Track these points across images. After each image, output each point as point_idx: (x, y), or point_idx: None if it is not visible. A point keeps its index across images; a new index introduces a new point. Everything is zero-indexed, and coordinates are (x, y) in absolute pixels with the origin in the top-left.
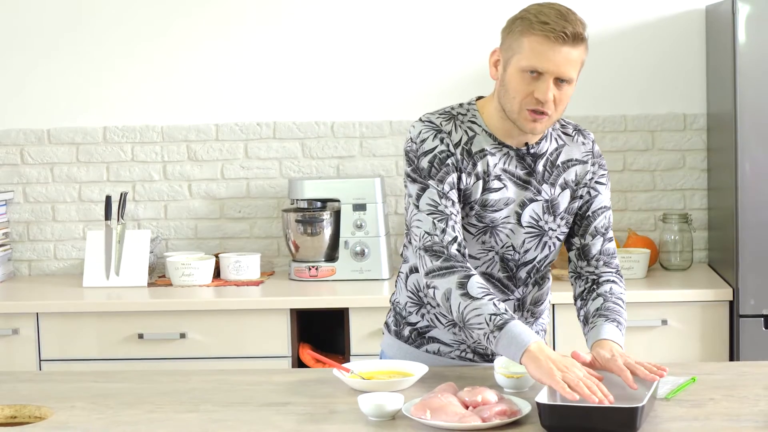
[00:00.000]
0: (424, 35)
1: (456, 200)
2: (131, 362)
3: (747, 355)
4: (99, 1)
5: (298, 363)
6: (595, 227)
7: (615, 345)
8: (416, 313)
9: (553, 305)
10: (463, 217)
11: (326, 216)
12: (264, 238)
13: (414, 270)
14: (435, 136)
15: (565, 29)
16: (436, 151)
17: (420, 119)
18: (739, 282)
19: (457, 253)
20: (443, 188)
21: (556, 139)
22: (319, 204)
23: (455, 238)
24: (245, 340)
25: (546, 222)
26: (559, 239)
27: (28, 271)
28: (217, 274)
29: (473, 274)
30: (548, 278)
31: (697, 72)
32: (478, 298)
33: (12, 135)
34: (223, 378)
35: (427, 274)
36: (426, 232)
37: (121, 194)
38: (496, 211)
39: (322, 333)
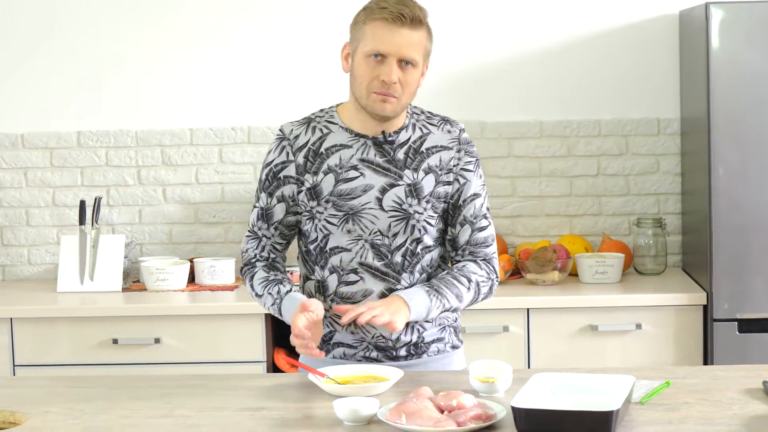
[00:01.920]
0: None
1: (281, 215)
2: (106, 367)
3: (721, 359)
4: (73, 7)
5: (273, 368)
6: (464, 216)
7: (398, 301)
8: None
9: (527, 310)
10: (321, 212)
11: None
12: (239, 243)
13: (306, 278)
14: (278, 145)
15: (402, 11)
16: (272, 164)
17: (279, 128)
18: (712, 286)
19: (252, 256)
20: (270, 203)
21: (420, 128)
22: None
23: (256, 254)
24: (220, 345)
25: (410, 205)
26: (428, 223)
27: (1, 276)
28: (191, 278)
29: (256, 272)
30: (443, 269)
31: (670, 77)
32: (261, 295)
33: None
34: (198, 383)
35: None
36: (241, 249)
37: (96, 199)
38: (353, 198)
39: None
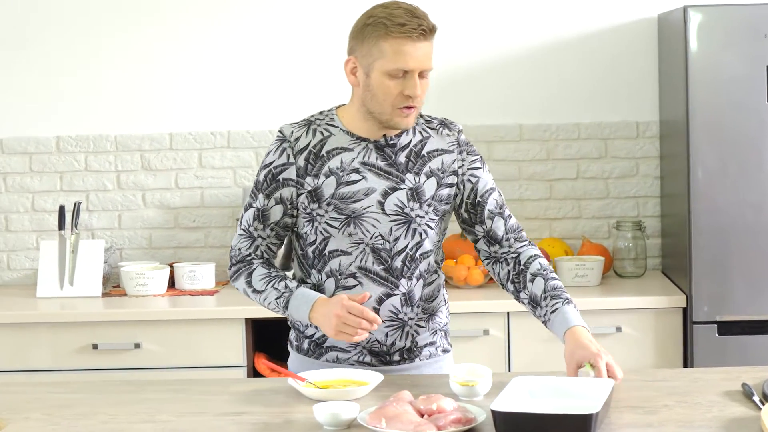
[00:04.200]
0: None
1: (278, 216)
2: (86, 373)
3: (700, 362)
4: (51, 12)
5: (254, 372)
6: (489, 210)
7: (587, 332)
8: (311, 325)
9: (508, 313)
10: (321, 215)
11: None
12: (218, 248)
13: (302, 281)
14: (278, 147)
15: (423, 26)
16: (272, 166)
17: (279, 129)
18: (692, 289)
19: (246, 254)
20: (268, 204)
21: (420, 132)
22: None
23: (251, 253)
24: (200, 349)
25: (412, 209)
26: (429, 227)
27: None
28: (171, 283)
29: (255, 268)
30: (438, 276)
31: (649, 80)
32: (262, 291)
33: None
34: (178, 388)
35: (230, 278)
36: (232, 247)
37: (75, 204)
38: (355, 201)
39: (276, 342)
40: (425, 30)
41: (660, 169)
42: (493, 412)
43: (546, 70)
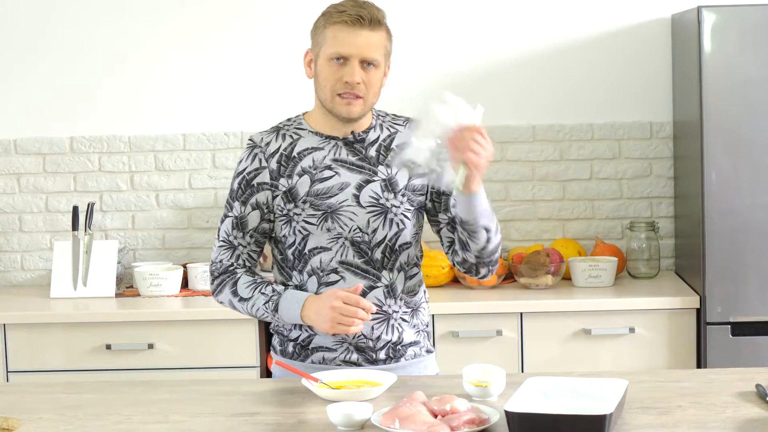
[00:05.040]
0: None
1: (256, 222)
2: (99, 373)
3: (714, 363)
4: (66, 13)
5: (267, 373)
6: (453, 198)
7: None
8: (295, 327)
9: (521, 314)
10: (298, 214)
11: None
12: None
13: (283, 285)
14: (249, 154)
15: (360, 13)
16: (245, 172)
17: (249, 138)
18: (706, 290)
19: (228, 264)
20: (244, 211)
21: (388, 128)
22: None
23: (233, 263)
24: (213, 350)
25: (387, 199)
26: (405, 216)
27: None
28: (185, 284)
29: (239, 277)
30: (418, 271)
31: (663, 80)
32: (249, 298)
33: None
34: (191, 388)
35: (213, 293)
36: (213, 261)
37: (89, 205)
38: (330, 197)
39: None
40: (362, 18)
41: (673, 169)
42: (507, 412)
43: (560, 71)
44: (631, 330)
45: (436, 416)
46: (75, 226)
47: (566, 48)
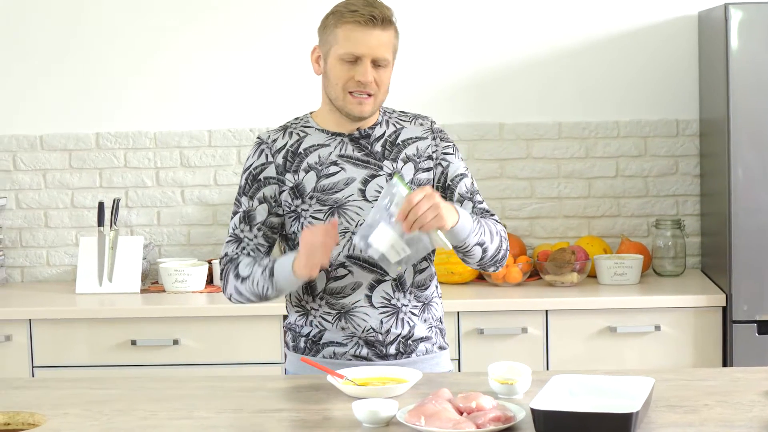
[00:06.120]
0: (417, 38)
1: (264, 216)
2: (124, 369)
3: (740, 361)
4: (94, 10)
5: None
6: (459, 194)
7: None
8: (306, 324)
9: (546, 311)
10: (306, 209)
11: None
12: None
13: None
14: (256, 150)
15: (373, 13)
16: (251, 168)
17: (257, 136)
18: (732, 288)
19: (233, 255)
20: (252, 205)
21: (394, 124)
22: None
23: (237, 253)
24: (238, 346)
25: None
26: None
27: (20, 277)
28: (210, 280)
29: (240, 260)
30: (429, 265)
31: (689, 78)
32: (249, 275)
33: (5, 141)
34: (216, 384)
35: (223, 291)
36: (221, 257)
37: (114, 200)
38: (337, 192)
39: None
40: (375, 18)
41: (700, 167)
42: (533, 410)
43: (586, 68)
44: (657, 328)
45: (461, 413)
46: (101, 221)
47: (592, 45)
